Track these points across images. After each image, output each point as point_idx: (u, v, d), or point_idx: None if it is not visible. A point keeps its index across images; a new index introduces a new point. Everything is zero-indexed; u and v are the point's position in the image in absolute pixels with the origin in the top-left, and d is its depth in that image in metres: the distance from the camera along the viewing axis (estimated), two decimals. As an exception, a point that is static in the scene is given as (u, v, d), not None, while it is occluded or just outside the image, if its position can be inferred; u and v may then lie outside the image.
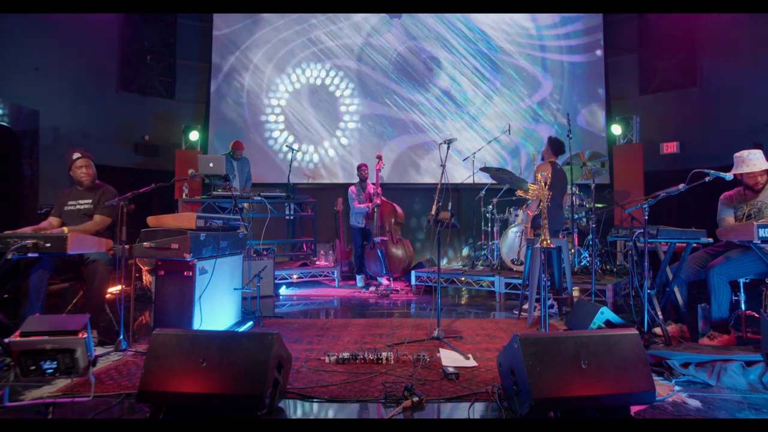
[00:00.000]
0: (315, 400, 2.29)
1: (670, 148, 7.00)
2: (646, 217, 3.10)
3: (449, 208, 3.44)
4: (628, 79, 7.48)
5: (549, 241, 3.06)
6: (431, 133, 7.51)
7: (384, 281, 5.86)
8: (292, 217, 6.85)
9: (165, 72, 7.54)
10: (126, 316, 3.13)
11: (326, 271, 6.15)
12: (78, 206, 3.60)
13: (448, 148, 3.59)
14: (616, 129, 7.22)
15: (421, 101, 7.55)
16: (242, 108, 7.60)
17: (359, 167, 6.07)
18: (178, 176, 6.42)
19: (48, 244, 2.78)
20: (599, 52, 7.48)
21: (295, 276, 5.95)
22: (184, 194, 6.04)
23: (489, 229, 6.11)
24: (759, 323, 2.87)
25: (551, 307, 4.19)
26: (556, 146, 4.35)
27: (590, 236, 5.28)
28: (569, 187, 4.97)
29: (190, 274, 3.16)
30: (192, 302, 3.14)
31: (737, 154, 3.31)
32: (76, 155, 3.57)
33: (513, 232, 5.33)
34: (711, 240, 3.21)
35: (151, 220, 3.38)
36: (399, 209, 5.84)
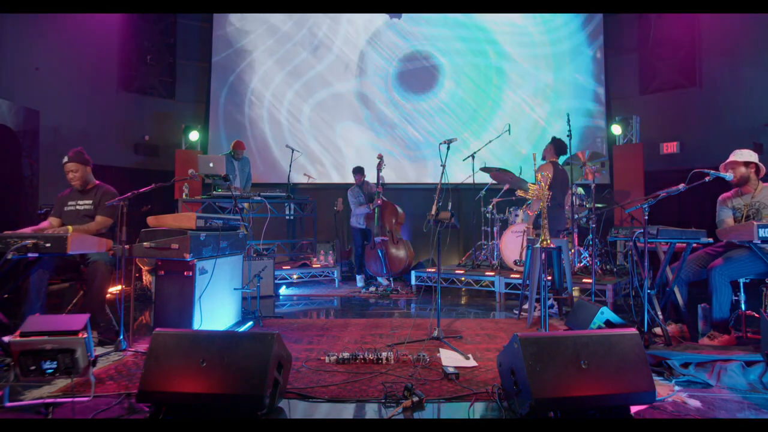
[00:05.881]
0: (315, 400, 2.29)
1: (670, 148, 7.00)
2: (646, 217, 3.10)
3: (449, 208, 3.44)
4: (628, 79, 7.48)
5: (549, 241, 3.06)
6: (431, 133, 7.51)
7: (384, 281, 5.86)
8: (292, 217, 6.85)
9: (165, 72, 7.54)
10: (126, 316, 3.13)
11: (326, 271, 6.15)
12: (78, 207, 3.60)
13: (448, 148, 3.58)
14: (616, 129, 7.22)
15: (421, 101, 7.55)
16: (242, 108, 7.60)
17: (355, 170, 6.08)
18: (178, 176, 6.42)
19: (48, 244, 2.78)
20: (599, 52, 7.48)
21: (295, 276, 5.95)
22: (184, 194, 6.04)
23: (489, 229, 6.11)
24: (759, 323, 2.87)
25: (551, 307, 4.19)
26: (558, 147, 4.34)
27: (590, 236, 5.28)
28: (571, 186, 4.98)
29: (190, 274, 3.16)
30: (192, 302, 3.14)
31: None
32: (64, 159, 3.56)
33: (515, 233, 5.32)
34: (711, 240, 3.21)
35: (151, 220, 3.39)
36: (399, 210, 5.84)
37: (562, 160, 4.59)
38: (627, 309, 4.26)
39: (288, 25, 7.63)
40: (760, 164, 3.31)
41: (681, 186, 3.08)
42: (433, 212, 3.38)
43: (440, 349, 3.06)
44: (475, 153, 5.86)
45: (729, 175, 3.27)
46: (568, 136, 4.92)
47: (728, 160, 3.35)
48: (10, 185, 5.20)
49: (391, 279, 5.92)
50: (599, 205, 5.73)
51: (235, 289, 3.79)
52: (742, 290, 3.28)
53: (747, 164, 3.30)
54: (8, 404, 2.17)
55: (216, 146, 7.45)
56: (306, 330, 3.70)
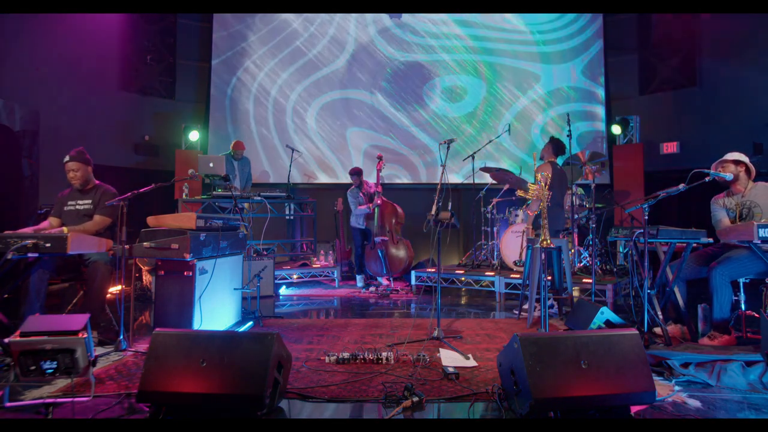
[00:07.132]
0: (315, 400, 2.29)
1: (670, 148, 7.00)
2: (646, 217, 3.10)
3: (449, 208, 3.44)
4: (628, 79, 7.48)
5: (549, 241, 3.06)
6: (431, 133, 7.52)
7: (384, 281, 5.86)
8: (292, 217, 6.85)
9: (165, 72, 7.53)
10: (126, 316, 3.13)
11: (326, 271, 6.15)
12: (77, 207, 3.60)
13: (448, 148, 3.58)
14: (616, 129, 7.22)
15: (421, 100, 7.55)
16: (242, 108, 7.59)
17: (352, 171, 6.08)
18: (178, 176, 6.42)
19: (48, 244, 2.78)
20: (599, 53, 7.48)
21: (295, 276, 5.95)
22: (184, 194, 6.04)
23: (489, 229, 6.11)
24: (759, 323, 2.87)
25: (551, 307, 4.19)
26: (556, 146, 4.35)
27: (590, 236, 5.28)
28: (571, 186, 4.97)
29: (190, 274, 3.16)
30: (192, 302, 3.14)
31: None
32: (66, 158, 3.56)
33: (515, 233, 5.33)
34: (711, 240, 3.22)
35: (151, 220, 3.39)
36: (399, 209, 5.84)
37: (561, 160, 4.58)
38: (627, 309, 4.26)
39: (289, 24, 7.63)
40: (751, 165, 3.35)
41: (681, 186, 3.09)
42: (433, 212, 3.38)
43: (440, 349, 3.06)
44: (475, 153, 5.86)
45: (729, 176, 3.28)
46: (567, 136, 4.92)
47: (721, 160, 3.40)
48: (10, 185, 5.20)
49: (391, 279, 5.92)
50: (599, 205, 5.73)
51: (235, 289, 3.80)
52: (742, 290, 3.28)
53: (737, 163, 3.33)
54: (8, 404, 2.17)
55: (216, 146, 7.45)
56: (306, 330, 3.70)
